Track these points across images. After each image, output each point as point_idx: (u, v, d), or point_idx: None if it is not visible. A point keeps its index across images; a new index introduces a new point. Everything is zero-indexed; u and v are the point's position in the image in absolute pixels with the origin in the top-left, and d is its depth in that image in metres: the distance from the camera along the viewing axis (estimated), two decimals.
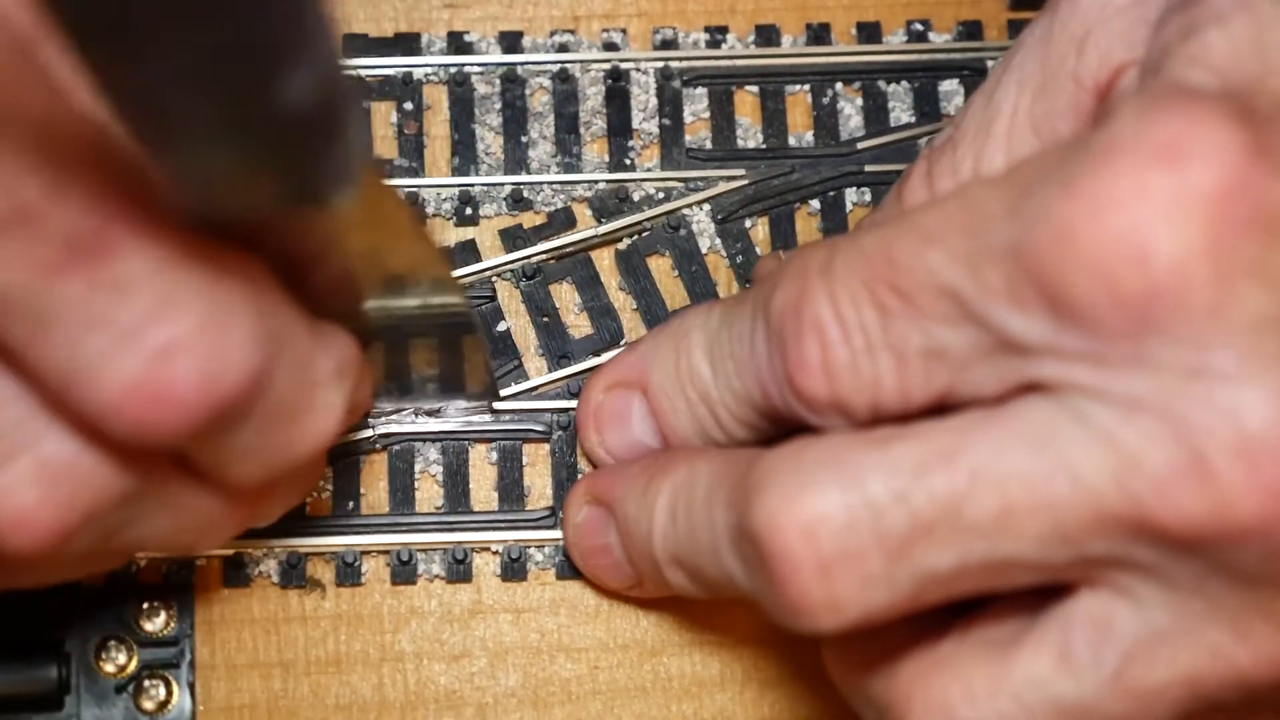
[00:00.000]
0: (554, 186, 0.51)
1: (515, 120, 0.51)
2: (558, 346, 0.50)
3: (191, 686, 0.47)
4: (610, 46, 0.52)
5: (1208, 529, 0.37)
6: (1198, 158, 0.37)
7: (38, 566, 0.39)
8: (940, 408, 0.40)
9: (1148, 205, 0.37)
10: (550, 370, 0.50)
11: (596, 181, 0.51)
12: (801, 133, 0.52)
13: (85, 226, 0.35)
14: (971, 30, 0.52)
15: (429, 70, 0.51)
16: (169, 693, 0.47)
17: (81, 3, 0.29)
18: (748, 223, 0.51)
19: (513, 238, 0.50)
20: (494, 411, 0.49)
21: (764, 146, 0.51)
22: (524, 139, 0.51)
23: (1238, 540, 0.37)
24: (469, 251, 0.50)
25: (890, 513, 0.39)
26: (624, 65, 0.51)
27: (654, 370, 0.46)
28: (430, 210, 0.50)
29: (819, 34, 0.52)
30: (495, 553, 0.49)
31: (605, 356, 0.49)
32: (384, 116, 0.51)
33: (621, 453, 0.48)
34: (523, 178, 0.51)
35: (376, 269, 0.42)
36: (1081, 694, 0.39)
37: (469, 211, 0.50)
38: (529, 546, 0.49)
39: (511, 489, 0.49)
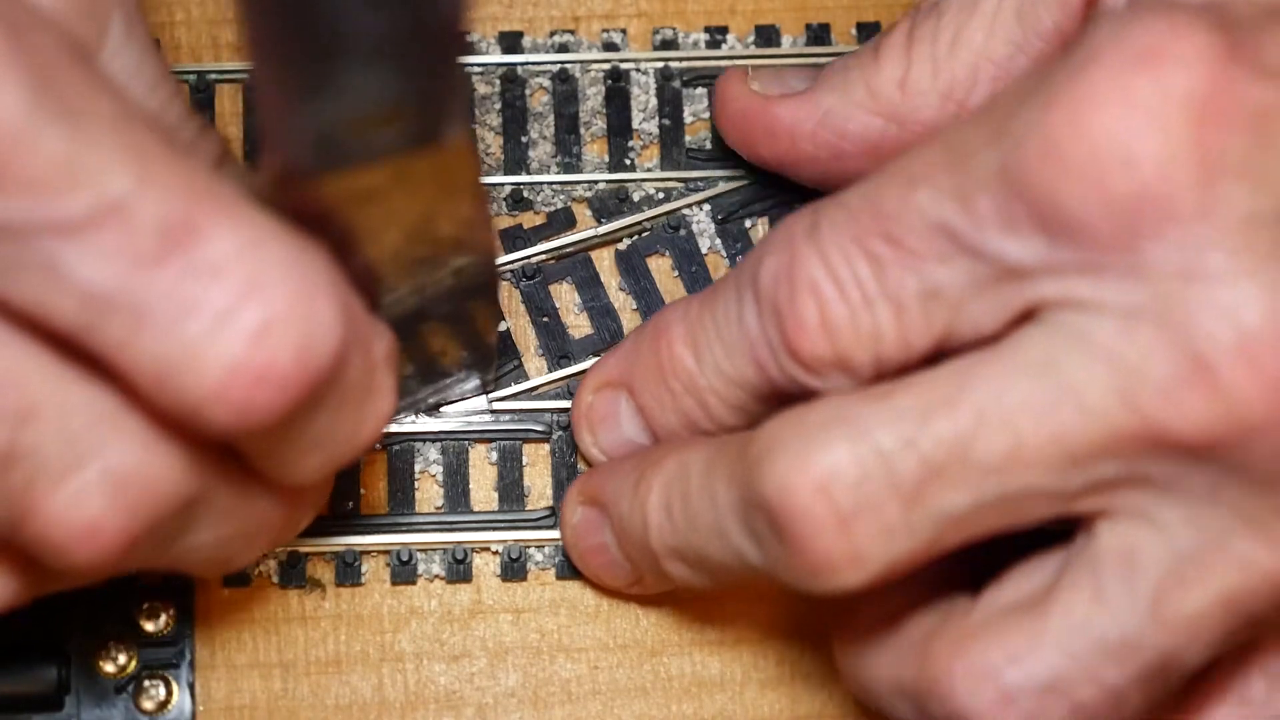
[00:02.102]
0: (554, 187, 0.51)
1: (515, 120, 0.51)
2: (558, 347, 0.50)
3: (191, 687, 0.47)
4: (610, 47, 0.52)
5: (1217, 432, 0.37)
6: (1177, 60, 0.37)
7: (90, 575, 0.39)
8: (940, 355, 0.40)
9: (1129, 109, 0.37)
10: (550, 370, 0.50)
11: (596, 182, 0.51)
12: None
13: (175, 213, 0.35)
14: None
15: None
16: (169, 693, 0.47)
17: None
18: (748, 223, 0.51)
19: (512, 238, 0.50)
20: (494, 411, 0.49)
21: None
22: (524, 139, 0.51)
23: (1248, 440, 0.37)
24: None
25: (901, 460, 0.39)
26: (624, 65, 0.51)
27: (636, 369, 0.46)
28: None
29: (819, 34, 0.52)
30: (495, 553, 0.49)
31: None
32: None
33: (615, 452, 0.48)
34: (522, 178, 0.51)
35: (423, 240, 0.42)
36: (1124, 629, 0.39)
37: None
38: (529, 546, 0.49)
39: (511, 489, 0.49)
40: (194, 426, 0.37)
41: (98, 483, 0.37)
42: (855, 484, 0.39)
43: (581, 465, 0.49)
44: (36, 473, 0.37)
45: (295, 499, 0.42)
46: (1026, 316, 0.39)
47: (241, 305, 0.36)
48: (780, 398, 0.43)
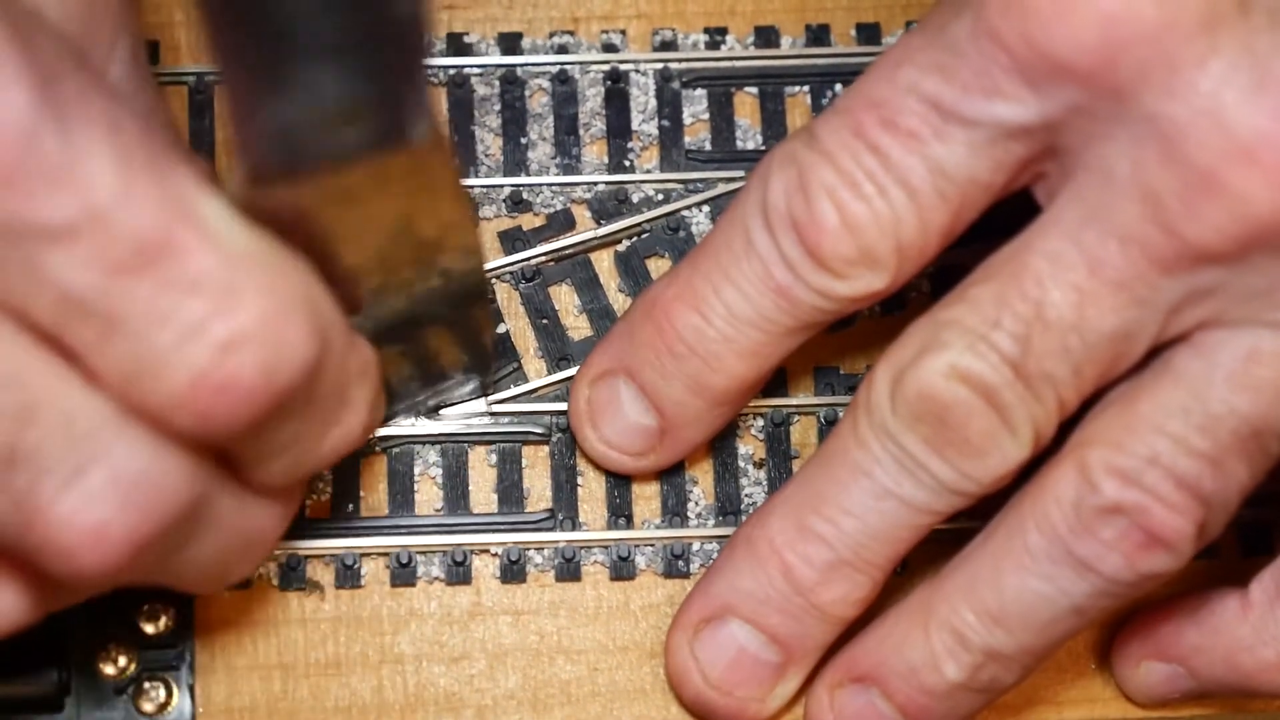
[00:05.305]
0: (553, 188, 0.51)
1: (514, 122, 0.51)
2: (557, 349, 0.50)
3: (191, 688, 0.47)
4: (609, 48, 0.52)
5: (1242, 234, 0.40)
6: None
7: (94, 586, 0.39)
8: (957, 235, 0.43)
9: None
10: (550, 373, 0.50)
11: (596, 183, 0.51)
12: None
13: (154, 227, 0.36)
14: None
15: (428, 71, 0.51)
16: (169, 694, 0.47)
17: None
18: None
19: (512, 240, 0.50)
20: (493, 414, 0.49)
21: (764, 148, 0.51)
22: (523, 140, 0.51)
23: (1273, 230, 0.40)
24: None
25: (999, 348, 0.42)
26: (623, 67, 0.51)
27: (632, 348, 0.46)
28: None
29: (818, 35, 0.52)
30: (495, 555, 0.49)
31: None
32: None
33: (622, 441, 0.48)
34: (522, 179, 0.51)
35: (405, 243, 0.42)
36: (1206, 403, 0.42)
37: None
38: (528, 549, 0.49)
39: (511, 491, 0.49)
40: (163, 427, 0.37)
41: (105, 485, 0.37)
42: (983, 377, 0.42)
43: (581, 466, 0.49)
44: (41, 475, 0.37)
45: (288, 505, 0.42)
46: (1034, 163, 0.42)
47: (212, 319, 0.36)
48: (804, 318, 0.44)
